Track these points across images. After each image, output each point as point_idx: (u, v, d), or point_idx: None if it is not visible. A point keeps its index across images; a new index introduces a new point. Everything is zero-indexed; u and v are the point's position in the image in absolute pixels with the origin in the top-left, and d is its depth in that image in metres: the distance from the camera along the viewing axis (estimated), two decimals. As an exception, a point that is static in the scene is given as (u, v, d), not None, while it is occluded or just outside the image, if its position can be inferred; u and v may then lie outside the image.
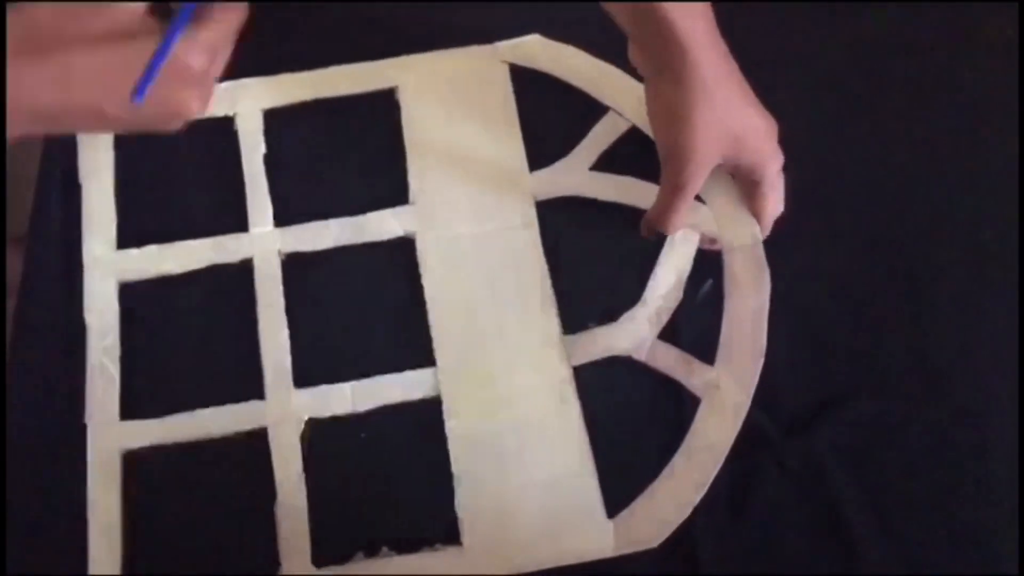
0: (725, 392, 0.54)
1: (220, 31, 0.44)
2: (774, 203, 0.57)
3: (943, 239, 0.60)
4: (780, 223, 0.58)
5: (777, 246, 0.58)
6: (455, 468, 0.53)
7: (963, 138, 0.63)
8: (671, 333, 0.56)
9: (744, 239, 0.57)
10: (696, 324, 0.56)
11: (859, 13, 0.66)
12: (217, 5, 0.43)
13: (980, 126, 0.63)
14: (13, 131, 0.42)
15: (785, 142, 0.58)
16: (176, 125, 0.46)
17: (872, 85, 0.64)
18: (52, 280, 0.58)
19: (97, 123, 0.44)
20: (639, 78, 0.56)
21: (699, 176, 0.54)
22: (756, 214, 0.57)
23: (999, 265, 0.59)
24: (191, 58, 0.43)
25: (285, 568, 0.51)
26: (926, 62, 0.65)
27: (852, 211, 0.61)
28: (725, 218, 0.58)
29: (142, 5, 0.42)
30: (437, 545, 0.51)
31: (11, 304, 0.58)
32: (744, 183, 0.57)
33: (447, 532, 0.52)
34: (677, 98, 0.51)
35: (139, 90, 0.42)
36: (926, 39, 0.66)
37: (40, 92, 0.41)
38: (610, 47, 0.58)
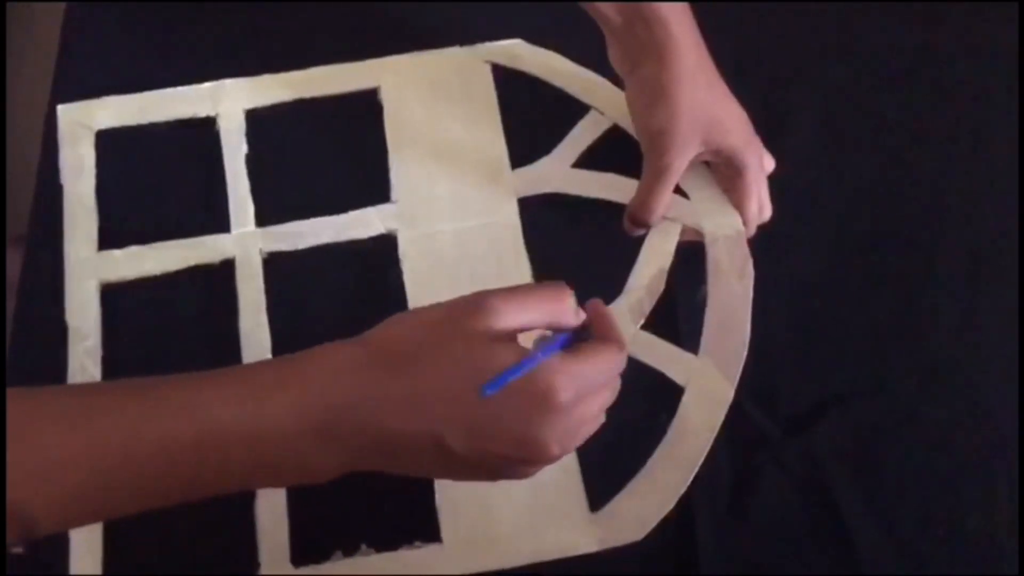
0: (709, 382, 0.53)
1: (595, 368, 0.39)
2: (757, 196, 0.57)
3: (943, 239, 0.60)
4: (779, 223, 0.58)
5: (777, 246, 0.58)
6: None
7: (963, 139, 0.63)
8: (670, 334, 0.55)
9: (727, 230, 0.57)
10: (696, 325, 0.55)
11: (860, 14, 0.67)
12: (591, 343, 0.40)
13: (980, 126, 0.63)
14: (349, 464, 0.39)
15: (786, 143, 0.58)
16: (522, 471, 0.40)
17: (873, 87, 0.64)
18: (52, 280, 0.58)
19: (435, 455, 0.38)
20: (619, 83, 0.57)
21: (682, 158, 0.54)
22: (739, 207, 0.57)
23: (999, 265, 0.59)
24: (557, 383, 0.38)
25: (264, 568, 0.50)
26: (926, 62, 0.65)
27: (852, 211, 0.61)
28: (708, 210, 0.57)
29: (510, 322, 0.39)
30: (416, 542, 0.51)
31: (11, 304, 0.58)
32: (726, 174, 0.57)
33: (427, 529, 0.51)
34: (661, 80, 0.52)
35: (493, 383, 0.37)
36: (926, 39, 0.66)
37: (388, 415, 0.38)
38: (591, 50, 0.59)
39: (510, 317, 0.39)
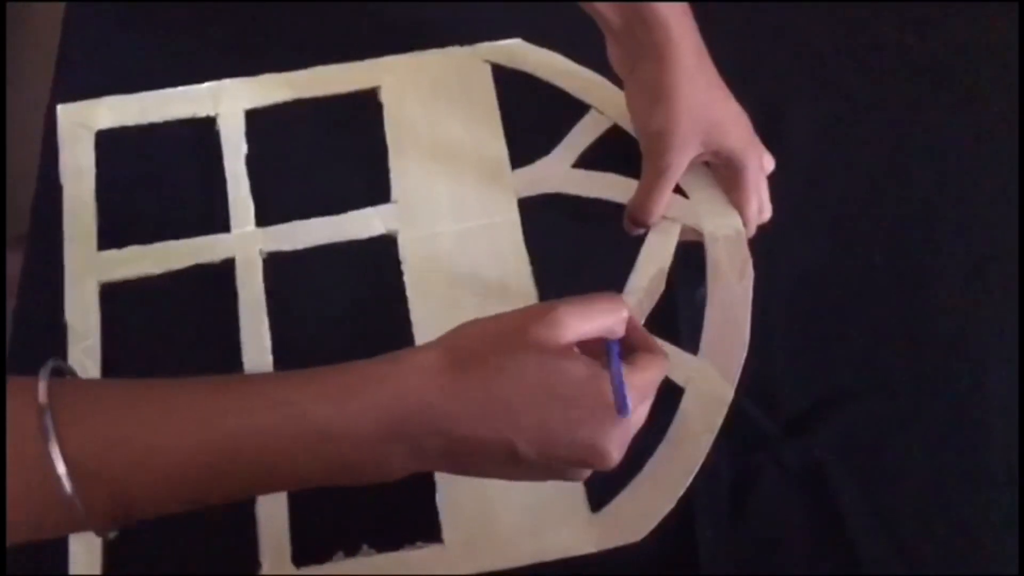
0: (709, 382, 0.53)
1: (651, 379, 0.42)
2: (757, 197, 0.57)
3: (943, 239, 0.60)
4: (779, 223, 0.58)
5: (777, 246, 0.58)
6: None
7: (963, 138, 0.63)
8: (670, 335, 0.55)
9: (727, 230, 0.57)
10: (695, 325, 0.55)
11: (861, 14, 0.67)
12: (643, 354, 0.42)
13: (980, 126, 0.63)
14: (416, 466, 0.40)
15: (785, 142, 0.58)
16: (582, 475, 0.43)
17: (872, 85, 0.64)
18: (52, 280, 0.58)
19: (503, 460, 0.40)
20: (619, 83, 0.57)
21: (681, 158, 0.54)
22: (739, 207, 0.57)
23: (999, 265, 0.59)
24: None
25: (266, 568, 0.50)
26: (926, 62, 0.65)
27: (852, 211, 0.61)
28: (707, 210, 0.57)
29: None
30: (418, 543, 0.51)
31: (11, 304, 0.58)
32: (726, 175, 0.57)
33: (428, 529, 0.51)
34: (661, 80, 0.52)
35: (623, 404, 0.39)
36: (927, 39, 0.66)
37: (462, 421, 0.39)
38: (591, 50, 0.59)
39: (574, 329, 0.40)
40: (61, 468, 0.35)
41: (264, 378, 0.41)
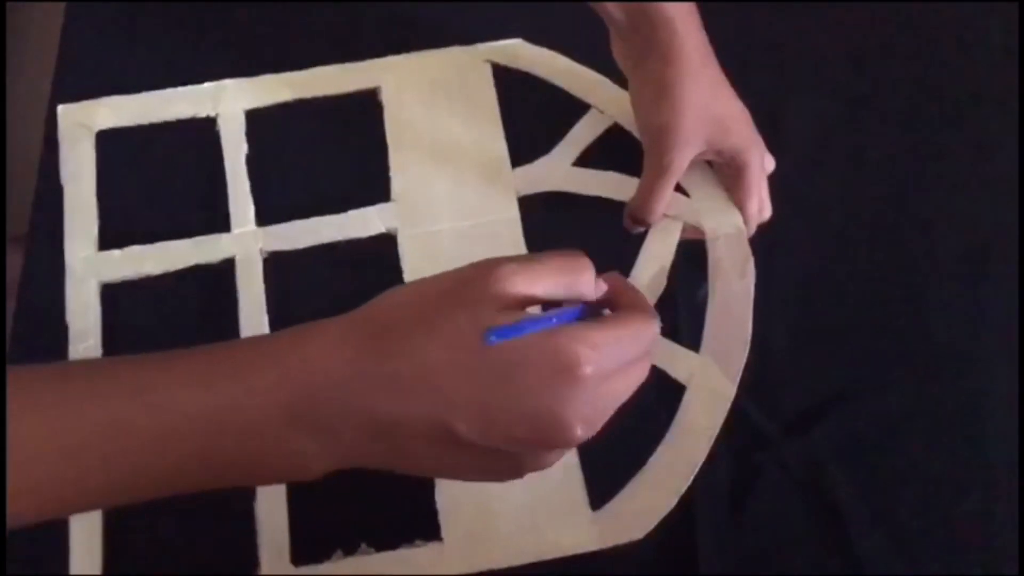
0: (710, 380, 0.53)
1: (624, 338, 0.34)
2: (758, 195, 0.57)
3: (943, 238, 0.60)
4: (780, 223, 0.58)
5: (777, 245, 0.58)
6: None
7: (963, 138, 0.63)
8: (671, 333, 0.55)
9: (728, 227, 0.57)
10: (696, 325, 0.55)
11: (859, 14, 0.67)
12: (622, 311, 0.36)
13: (980, 126, 0.63)
14: (340, 460, 0.34)
15: (785, 142, 0.58)
16: (538, 460, 0.35)
17: (872, 85, 0.64)
18: (52, 280, 0.58)
19: (440, 445, 0.33)
20: (619, 82, 0.57)
21: (684, 156, 0.54)
22: (740, 205, 0.57)
23: (999, 264, 0.59)
24: (581, 353, 0.33)
25: (264, 567, 0.50)
26: (926, 62, 0.65)
27: (853, 210, 0.61)
28: (708, 208, 0.57)
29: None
30: (417, 541, 0.51)
31: (11, 304, 0.58)
32: (728, 173, 0.57)
33: (427, 528, 0.51)
34: (665, 76, 0.52)
35: (497, 332, 0.32)
36: (926, 39, 0.66)
37: (380, 397, 0.33)
38: (591, 49, 0.59)
39: (523, 284, 0.34)
40: None
41: (124, 361, 0.35)
